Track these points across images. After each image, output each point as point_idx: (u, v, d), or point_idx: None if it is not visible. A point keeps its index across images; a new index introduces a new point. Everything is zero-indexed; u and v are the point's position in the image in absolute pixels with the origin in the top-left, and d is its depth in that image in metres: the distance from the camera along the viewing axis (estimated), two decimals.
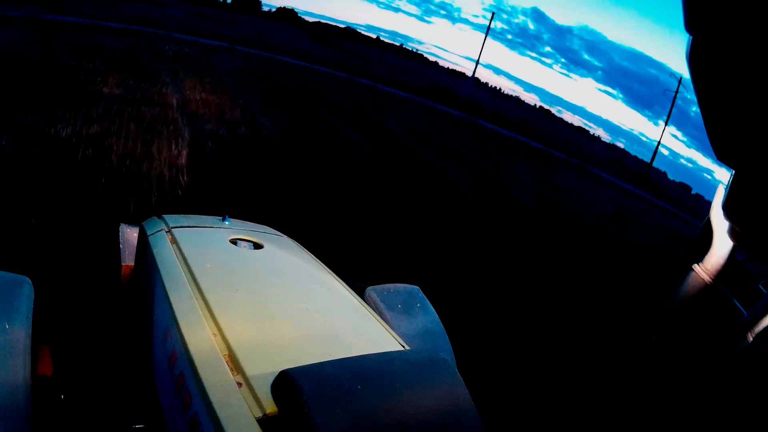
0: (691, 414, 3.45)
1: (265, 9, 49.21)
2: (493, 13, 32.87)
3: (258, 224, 2.47)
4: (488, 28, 31.27)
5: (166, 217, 2.13)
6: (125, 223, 2.50)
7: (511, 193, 10.07)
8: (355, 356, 1.28)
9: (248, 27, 30.46)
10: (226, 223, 2.25)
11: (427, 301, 2.38)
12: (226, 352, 1.29)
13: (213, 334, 1.34)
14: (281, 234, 2.47)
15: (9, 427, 1.21)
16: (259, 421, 1.10)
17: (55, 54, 8.73)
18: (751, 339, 3.20)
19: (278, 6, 50.44)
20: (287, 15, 49.91)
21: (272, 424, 1.11)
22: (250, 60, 16.85)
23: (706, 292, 3.76)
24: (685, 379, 3.76)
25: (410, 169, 8.77)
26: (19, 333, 1.39)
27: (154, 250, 1.80)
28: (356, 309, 1.79)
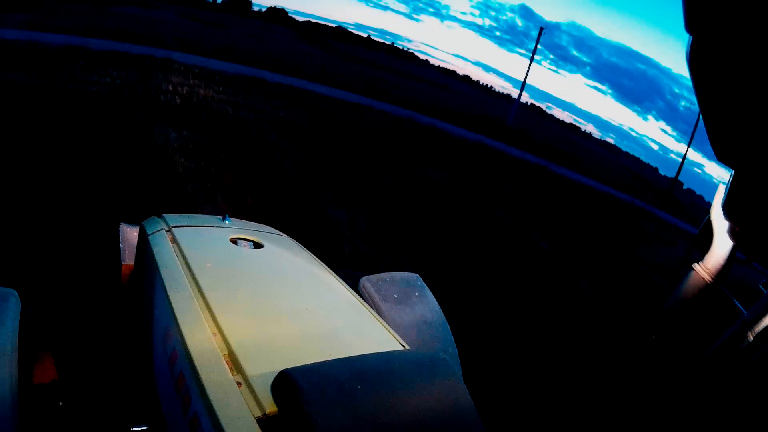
0: (689, 412, 3.44)
1: (256, 9, 49.25)
2: (542, 29, 26.82)
3: (258, 223, 2.47)
4: (534, 51, 26.91)
5: (167, 216, 2.13)
6: (125, 222, 2.50)
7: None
8: (355, 356, 1.28)
9: (245, 30, 29.05)
10: (227, 222, 2.25)
11: (427, 289, 2.30)
12: (226, 352, 1.29)
13: (213, 333, 1.34)
14: (281, 233, 2.47)
15: None
16: (259, 420, 1.10)
17: None
18: (751, 339, 3.20)
19: (269, 6, 50.56)
20: (278, 15, 49.98)
21: (272, 423, 1.11)
22: (289, 101, 11.77)
23: (706, 292, 3.76)
24: (683, 378, 3.76)
25: None
26: (5, 345, 1.39)
27: (154, 250, 1.80)
28: (356, 308, 1.80)
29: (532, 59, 26.78)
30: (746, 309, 3.37)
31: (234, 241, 2.04)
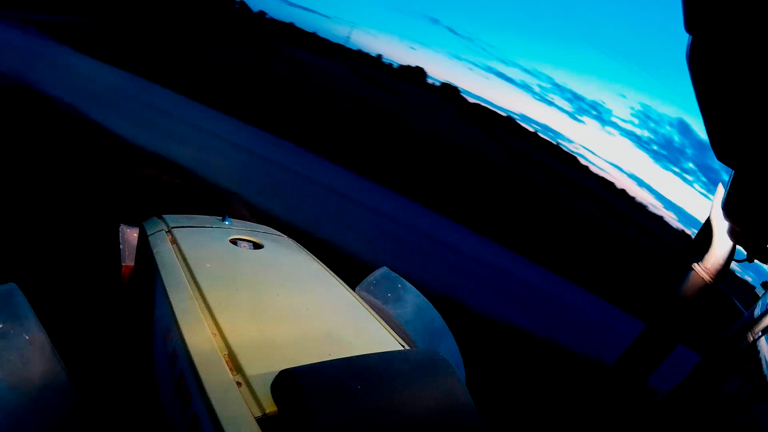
0: (688, 411, 3.44)
1: (429, 81, 43.28)
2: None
3: (258, 224, 2.47)
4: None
5: (166, 217, 2.13)
6: (125, 223, 2.50)
7: None
8: (355, 356, 1.28)
9: (417, 101, 24.21)
10: (226, 223, 2.25)
11: (401, 278, 2.44)
12: (226, 352, 1.29)
13: (213, 333, 1.34)
14: (281, 234, 2.47)
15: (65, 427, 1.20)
16: (259, 420, 1.09)
17: None
18: (751, 339, 3.20)
19: (442, 81, 44.12)
20: (450, 91, 43.48)
21: (272, 423, 1.10)
22: None
23: (706, 292, 3.75)
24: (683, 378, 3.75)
25: None
26: (39, 336, 1.38)
27: (154, 250, 1.80)
28: (356, 308, 1.79)
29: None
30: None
31: (234, 241, 2.04)
